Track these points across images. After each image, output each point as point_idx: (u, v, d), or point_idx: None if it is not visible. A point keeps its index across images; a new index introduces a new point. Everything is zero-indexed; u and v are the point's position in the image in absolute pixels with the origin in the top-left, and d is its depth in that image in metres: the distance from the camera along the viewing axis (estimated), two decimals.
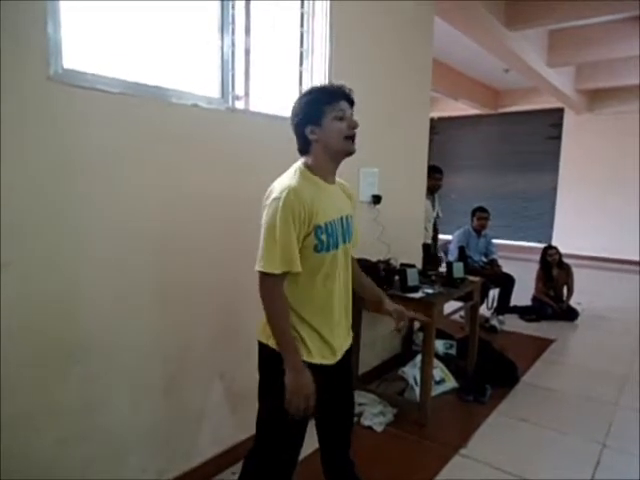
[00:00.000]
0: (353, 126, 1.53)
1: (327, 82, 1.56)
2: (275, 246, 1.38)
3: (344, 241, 1.57)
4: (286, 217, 1.38)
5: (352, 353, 1.73)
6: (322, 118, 1.49)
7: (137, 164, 1.77)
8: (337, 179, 1.64)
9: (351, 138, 1.54)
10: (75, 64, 1.60)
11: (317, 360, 1.50)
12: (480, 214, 4.90)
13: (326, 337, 1.53)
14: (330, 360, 1.55)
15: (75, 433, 1.67)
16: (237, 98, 2.23)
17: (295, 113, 1.54)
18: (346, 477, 1.85)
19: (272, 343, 1.47)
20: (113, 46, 1.79)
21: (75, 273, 1.62)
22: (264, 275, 1.40)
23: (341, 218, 1.55)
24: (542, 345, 4.18)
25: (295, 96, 2.54)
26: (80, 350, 1.66)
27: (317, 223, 1.44)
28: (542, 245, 6.01)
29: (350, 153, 1.56)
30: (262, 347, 1.52)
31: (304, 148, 1.54)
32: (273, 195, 1.44)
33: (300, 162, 1.55)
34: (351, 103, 1.56)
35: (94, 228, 1.66)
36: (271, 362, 1.47)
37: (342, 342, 1.62)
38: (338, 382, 1.66)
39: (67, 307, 1.61)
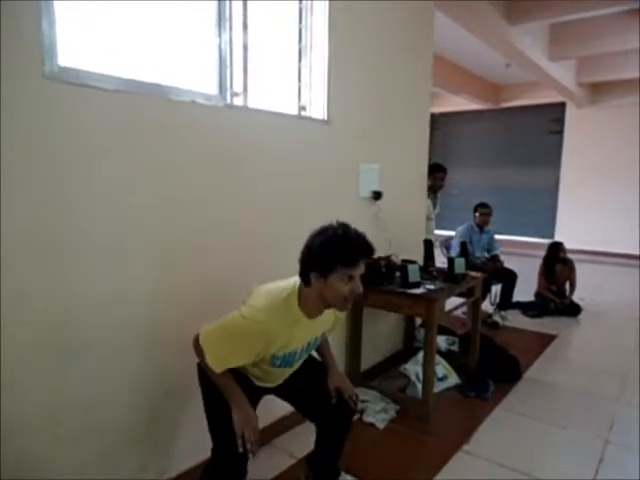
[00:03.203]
0: (356, 292, 1.49)
1: (351, 232, 1.49)
2: (222, 350, 1.52)
3: (306, 353, 1.71)
4: (244, 342, 1.48)
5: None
6: (331, 274, 1.45)
7: (135, 161, 1.76)
8: None
9: (350, 299, 1.51)
10: (71, 62, 1.59)
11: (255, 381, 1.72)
12: (482, 210, 4.88)
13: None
14: (270, 384, 1.76)
15: (74, 431, 1.66)
16: (235, 94, 2.21)
17: (307, 251, 1.49)
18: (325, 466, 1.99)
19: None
20: (110, 43, 1.78)
21: (73, 271, 1.61)
22: (207, 359, 1.53)
23: (308, 343, 1.66)
24: (545, 341, 4.16)
25: (294, 93, 2.59)
26: (79, 349, 1.65)
27: (275, 353, 1.54)
28: (545, 240, 6.00)
29: (342, 311, 1.60)
30: (198, 365, 1.66)
31: (304, 282, 1.53)
32: (248, 312, 1.51)
33: (296, 286, 1.56)
34: (371, 256, 1.52)
35: (91, 226, 1.65)
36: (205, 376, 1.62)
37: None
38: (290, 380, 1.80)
39: (66, 306, 1.60)
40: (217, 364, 1.52)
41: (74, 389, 1.65)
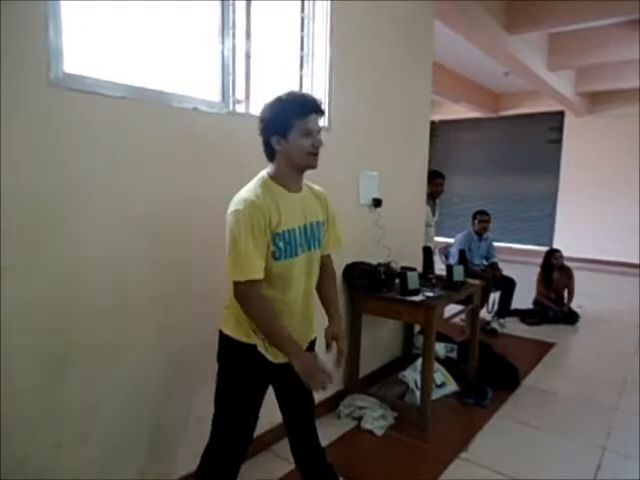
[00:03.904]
0: (317, 144, 1.55)
1: (298, 92, 1.61)
2: (238, 257, 1.47)
3: (308, 248, 1.64)
4: (248, 228, 1.46)
5: (313, 349, 1.82)
6: (289, 131, 1.51)
7: (138, 168, 1.78)
8: (313, 185, 1.72)
9: (315, 154, 1.55)
10: (76, 68, 1.61)
11: (263, 352, 1.61)
12: (481, 217, 4.90)
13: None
14: (275, 359, 1.63)
15: (74, 436, 1.67)
16: (238, 102, 2.23)
17: (263, 120, 1.56)
18: (316, 464, 1.96)
19: (235, 334, 1.59)
20: (114, 50, 1.80)
21: (74, 276, 1.63)
22: (235, 283, 1.49)
23: (304, 226, 1.62)
24: (543, 348, 4.18)
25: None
26: (79, 352, 1.66)
27: (275, 231, 1.51)
28: (543, 248, 6.02)
29: (311, 168, 1.59)
30: (224, 337, 1.62)
31: (270, 155, 1.58)
32: (232, 208, 1.51)
33: (265, 171, 1.60)
34: (321, 114, 1.58)
35: (94, 231, 1.66)
36: (232, 352, 1.60)
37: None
38: (289, 378, 1.71)
39: (66, 310, 1.62)
40: (247, 271, 1.46)
41: (74, 393, 1.66)
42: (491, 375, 3.26)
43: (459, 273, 3.06)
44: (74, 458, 1.68)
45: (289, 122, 1.50)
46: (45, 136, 1.50)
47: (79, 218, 1.62)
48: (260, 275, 1.49)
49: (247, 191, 1.54)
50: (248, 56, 2.27)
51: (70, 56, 1.59)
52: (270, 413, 1.84)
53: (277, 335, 1.52)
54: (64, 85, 1.54)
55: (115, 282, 1.74)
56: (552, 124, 9.29)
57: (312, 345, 1.83)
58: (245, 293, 1.50)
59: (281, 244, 1.53)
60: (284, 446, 2.40)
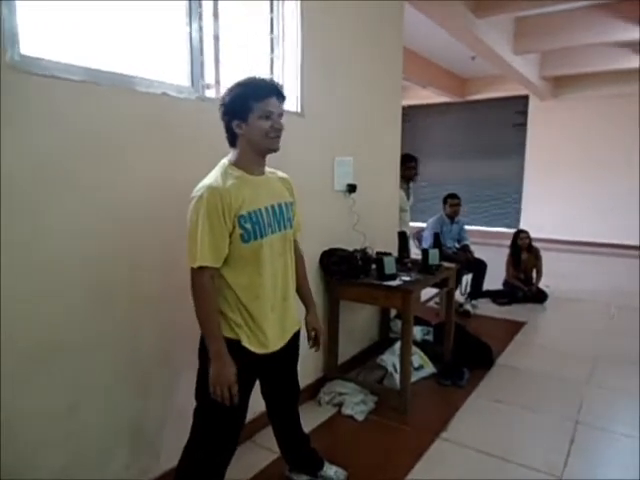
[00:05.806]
0: (278, 127, 1.56)
1: (259, 77, 1.59)
2: (192, 243, 1.48)
3: (278, 229, 1.64)
4: (204, 214, 1.46)
5: (298, 340, 1.84)
6: (249, 115, 1.52)
7: (102, 156, 1.69)
8: (276, 171, 1.73)
9: (276, 136, 1.56)
10: (35, 51, 1.51)
11: (248, 346, 1.59)
12: (452, 201, 4.95)
13: (256, 327, 1.60)
14: (260, 350, 1.62)
15: (55, 434, 1.61)
16: (207, 87, 2.16)
17: (224, 105, 1.57)
18: (301, 450, 2.05)
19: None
20: (76, 32, 1.70)
21: (46, 272, 1.55)
22: (191, 269, 1.51)
23: (272, 206, 1.62)
24: (514, 327, 4.28)
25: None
26: (58, 351, 1.59)
27: (239, 213, 1.51)
28: (511, 230, 6.16)
29: (273, 150, 1.60)
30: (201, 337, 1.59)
31: (231, 140, 1.60)
32: (192, 195, 1.52)
33: (226, 158, 1.62)
34: (282, 98, 1.59)
35: (62, 224, 1.58)
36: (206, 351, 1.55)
37: (276, 336, 1.67)
38: (275, 369, 1.78)
39: (43, 308, 1.54)
40: (198, 258, 1.47)
41: (54, 392, 1.60)
42: (466, 356, 3.32)
43: (434, 257, 3.08)
44: (58, 455, 1.62)
45: (248, 105, 1.51)
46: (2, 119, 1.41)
47: (43, 211, 1.53)
48: (211, 263, 1.49)
49: (207, 178, 1.55)
50: (217, 38, 2.20)
51: (30, 38, 1.49)
52: (251, 403, 1.82)
53: (210, 330, 1.53)
54: (21, 68, 1.44)
55: (90, 278, 1.67)
56: (517, 108, 9.45)
57: (296, 337, 1.81)
58: (194, 279, 1.51)
59: (248, 225, 1.53)
60: (265, 435, 2.39)
